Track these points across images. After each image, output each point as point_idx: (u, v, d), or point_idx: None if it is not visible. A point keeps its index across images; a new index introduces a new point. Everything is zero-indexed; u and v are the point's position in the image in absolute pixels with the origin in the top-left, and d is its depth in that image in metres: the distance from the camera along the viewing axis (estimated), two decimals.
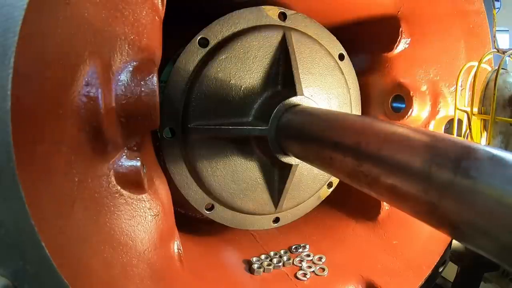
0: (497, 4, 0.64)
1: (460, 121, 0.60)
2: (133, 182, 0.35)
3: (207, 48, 0.55)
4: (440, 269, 0.64)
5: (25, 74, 0.22)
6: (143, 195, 0.38)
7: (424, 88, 0.67)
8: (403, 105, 0.67)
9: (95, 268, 0.29)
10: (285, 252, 0.67)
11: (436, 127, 0.68)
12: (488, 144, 0.52)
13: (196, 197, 0.59)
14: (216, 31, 0.55)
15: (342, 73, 0.67)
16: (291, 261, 0.65)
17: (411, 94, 0.66)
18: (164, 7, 0.41)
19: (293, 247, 0.69)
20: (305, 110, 0.51)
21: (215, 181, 0.57)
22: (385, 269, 0.63)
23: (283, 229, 0.72)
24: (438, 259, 0.62)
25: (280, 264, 0.63)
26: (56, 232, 0.25)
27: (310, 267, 0.63)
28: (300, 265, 0.64)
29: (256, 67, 0.56)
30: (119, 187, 0.34)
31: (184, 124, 0.54)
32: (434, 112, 0.67)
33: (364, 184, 0.35)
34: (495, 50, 0.59)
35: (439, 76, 0.66)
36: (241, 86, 0.56)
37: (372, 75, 0.73)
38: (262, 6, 0.58)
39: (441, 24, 0.64)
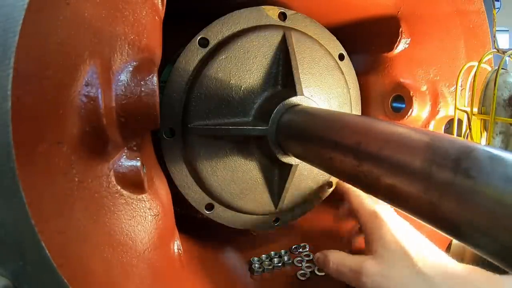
0: (497, 4, 0.63)
1: (460, 121, 0.60)
2: (133, 182, 0.35)
3: (207, 48, 0.55)
4: None
5: (25, 74, 0.22)
6: (143, 195, 0.38)
7: (424, 88, 0.67)
8: (403, 105, 0.67)
9: (95, 268, 0.29)
10: (285, 252, 0.67)
11: (436, 127, 0.68)
12: (488, 144, 0.52)
13: (196, 197, 0.59)
14: (216, 31, 0.55)
15: (342, 73, 0.66)
16: (291, 261, 0.65)
17: (411, 94, 0.66)
18: (164, 7, 0.41)
19: (293, 247, 0.69)
20: (305, 110, 0.51)
21: (215, 181, 0.57)
22: None
23: (283, 229, 0.72)
24: None
25: (280, 264, 0.63)
26: (56, 232, 0.25)
27: (310, 267, 0.63)
28: (300, 265, 0.64)
29: (256, 67, 0.56)
30: (119, 187, 0.34)
31: (184, 124, 0.54)
32: (434, 112, 0.67)
33: (364, 184, 0.35)
34: (495, 50, 0.59)
35: (439, 76, 0.66)
36: (241, 86, 0.55)
37: (372, 75, 0.73)
38: (262, 6, 0.58)
39: (441, 24, 0.64)
